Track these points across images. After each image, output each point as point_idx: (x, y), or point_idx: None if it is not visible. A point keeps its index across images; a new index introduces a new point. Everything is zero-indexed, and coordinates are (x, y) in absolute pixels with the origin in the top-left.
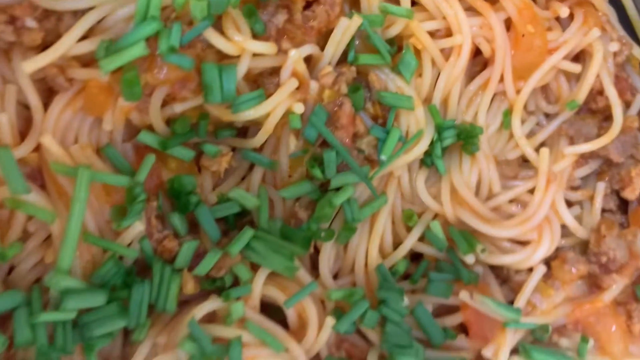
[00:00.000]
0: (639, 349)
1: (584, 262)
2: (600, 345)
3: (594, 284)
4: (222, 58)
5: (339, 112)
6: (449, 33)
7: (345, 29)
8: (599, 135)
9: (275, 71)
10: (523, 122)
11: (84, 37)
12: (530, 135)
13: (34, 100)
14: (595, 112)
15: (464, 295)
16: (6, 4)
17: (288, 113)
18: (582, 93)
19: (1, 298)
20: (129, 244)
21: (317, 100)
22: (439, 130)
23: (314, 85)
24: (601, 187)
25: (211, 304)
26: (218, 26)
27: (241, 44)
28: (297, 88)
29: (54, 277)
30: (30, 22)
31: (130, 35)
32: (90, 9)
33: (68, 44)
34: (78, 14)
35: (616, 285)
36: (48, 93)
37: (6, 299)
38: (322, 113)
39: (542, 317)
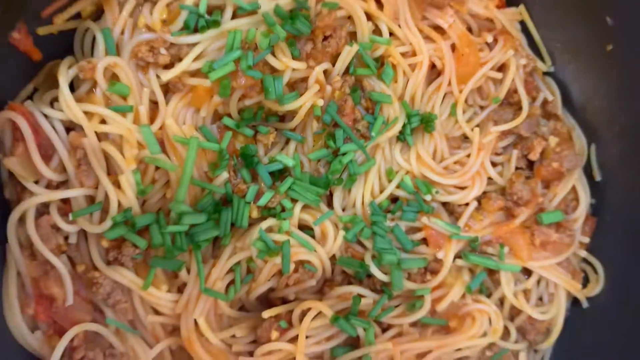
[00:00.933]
0: (538, 255)
1: (502, 199)
2: (513, 253)
3: (509, 213)
4: (274, 71)
5: (345, 105)
6: (414, 54)
7: (348, 53)
8: (513, 119)
9: (304, 79)
10: (464, 111)
11: (194, 59)
12: (469, 120)
13: (160, 97)
14: (512, 104)
15: (424, 219)
16: (148, 39)
17: (313, 106)
18: (502, 92)
19: (143, 217)
20: (218, 186)
21: (331, 98)
22: (408, 117)
23: (328, 88)
24: (514, 153)
25: (270, 222)
26: (272, 52)
27: (286, 63)
28: (318, 90)
29: (174, 205)
30: (163, 51)
31: (224, 58)
32: (198, 43)
33: (186, 64)
34: (190, 45)
35: (523, 214)
36: (165, 92)
37: (145, 218)
38: (334, 106)
39: (474, 233)
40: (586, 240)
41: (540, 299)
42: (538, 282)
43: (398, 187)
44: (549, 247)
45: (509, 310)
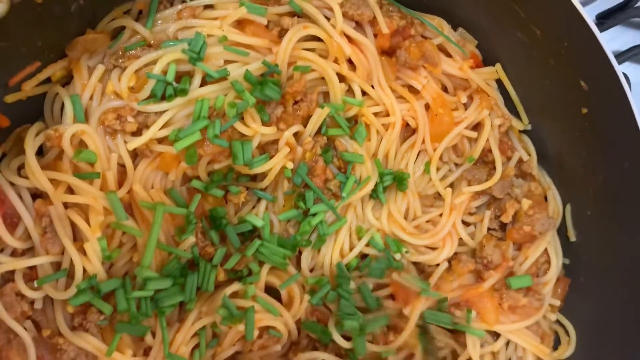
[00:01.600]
0: (506, 318)
1: (472, 262)
2: (480, 316)
3: (478, 276)
4: (243, 136)
5: (316, 166)
6: (387, 113)
7: (319, 115)
8: (487, 179)
9: (275, 141)
10: (439, 168)
11: (161, 127)
12: (443, 178)
13: (129, 162)
14: (486, 163)
15: (394, 275)
16: (116, 107)
17: (283, 168)
18: (477, 151)
19: (108, 283)
20: (185, 250)
21: (302, 159)
22: (381, 175)
23: (299, 150)
24: (487, 214)
25: (235, 286)
26: (241, 118)
27: (255, 129)
28: (289, 152)
29: (140, 270)
30: (130, 119)
31: (190, 127)
32: (165, 111)
33: (153, 132)
34: (158, 113)
35: (492, 278)
36: (134, 157)
37: (111, 283)
38: (304, 167)
39: (443, 294)
40: (557, 303)
41: None
42: (507, 345)
43: (368, 244)
44: (517, 310)
45: None
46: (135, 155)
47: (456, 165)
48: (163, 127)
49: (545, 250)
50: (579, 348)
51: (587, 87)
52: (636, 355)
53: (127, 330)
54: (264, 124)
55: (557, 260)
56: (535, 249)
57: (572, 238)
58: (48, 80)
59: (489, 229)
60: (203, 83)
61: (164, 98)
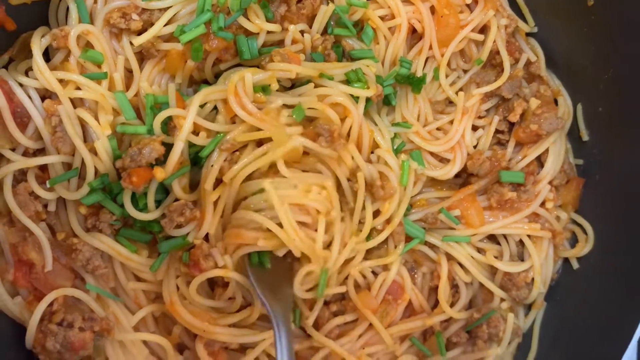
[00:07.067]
0: (491, 216)
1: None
2: (465, 222)
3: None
4: (249, 34)
5: (329, 58)
6: (393, 17)
7: (325, 12)
8: (496, 81)
9: (281, 42)
10: (447, 75)
11: (166, 24)
12: (452, 84)
13: (135, 64)
14: (494, 65)
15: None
16: (120, 6)
17: None
18: (484, 53)
19: (119, 184)
20: None
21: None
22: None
23: (308, 39)
24: (496, 118)
25: None
26: (245, 15)
27: (260, 25)
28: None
29: None
30: (135, 16)
31: (195, 21)
32: (169, 7)
33: (158, 28)
34: (162, 10)
35: (477, 183)
36: (140, 60)
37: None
38: (320, 57)
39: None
40: (551, 196)
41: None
42: (507, 242)
43: None
44: (506, 206)
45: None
46: (141, 59)
47: (464, 71)
48: (168, 23)
49: (547, 151)
50: (597, 245)
51: None
52: None
53: (130, 235)
54: (269, 21)
55: (555, 160)
56: (536, 149)
57: (585, 137)
58: None
59: (497, 130)
60: None
61: None
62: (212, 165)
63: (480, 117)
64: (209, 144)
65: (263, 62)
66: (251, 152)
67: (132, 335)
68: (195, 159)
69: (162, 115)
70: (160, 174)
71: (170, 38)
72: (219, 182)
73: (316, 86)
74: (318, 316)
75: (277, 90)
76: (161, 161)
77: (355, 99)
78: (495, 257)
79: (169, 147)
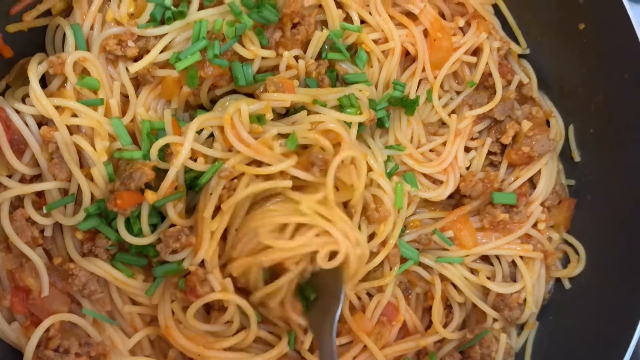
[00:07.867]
0: (484, 237)
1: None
2: (457, 243)
3: (458, 203)
4: (244, 60)
5: (322, 84)
6: (386, 40)
7: (319, 37)
8: (489, 103)
9: (275, 68)
10: (440, 97)
11: (162, 51)
12: (445, 105)
13: (131, 89)
14: (487, 87)
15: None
16: (116, 33)
17: None
18: (477, 76)
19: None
20: None
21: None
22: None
23: (302, 66)
24: (488, 140)
25: None
26: (240, 41)
27: (255, 51)
28: (295, 75)
29: None
30: (131, 43)
31: (190, 48)
32: (165, 34)
33: (154, 56)
34: (158, 37)
35: (472, 204)
36: (136, 85)
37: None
38: (314, 83)
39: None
40: (543, 217)
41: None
42: (500, 263)
43: None
44: (499, 227)
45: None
46: (137, 85)
47: (457, 93)
48: (163, 50)
49: (539, 172)
50: (589, 265)
51: (582, 1)
52: None
53: (126, 260)
54: (264, 48)
55: (547, 181)
56: (528, 171)
57: (577, 158)
58: (48, 13)
59: (489, 152)
60: (201, 8)
61: (163, 22)
62: (210, 194)
63: (472, 139)
64: (208, 171)
65: (257, 91)
66: (248, 180)
67: (128, 359)
68: (191, 183)
69: (160, 143)
70: (151, 196)
71: (166, 65)
72: (217, 209)
73: (309, 113)
74: (313, 339)
75: (272, 119)
76: (151, 186)
77: (348, 124)
78: (488, 278)
79: (166, 171)
